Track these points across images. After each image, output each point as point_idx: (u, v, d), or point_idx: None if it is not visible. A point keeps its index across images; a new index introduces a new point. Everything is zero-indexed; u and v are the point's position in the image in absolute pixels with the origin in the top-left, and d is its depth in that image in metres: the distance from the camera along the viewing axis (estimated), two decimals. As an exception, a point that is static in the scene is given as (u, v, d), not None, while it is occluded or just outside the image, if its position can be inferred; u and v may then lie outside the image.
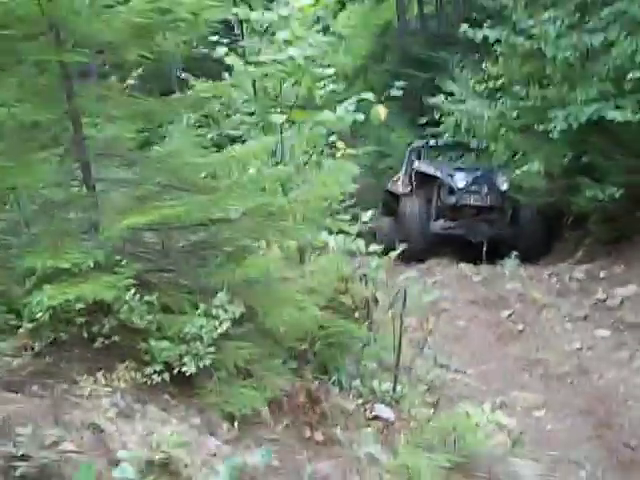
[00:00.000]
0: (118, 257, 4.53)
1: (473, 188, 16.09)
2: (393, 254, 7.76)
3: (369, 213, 7.04)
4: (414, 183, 17.36)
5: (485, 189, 16.09)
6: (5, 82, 4.64)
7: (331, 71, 6.37)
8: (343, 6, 25.52)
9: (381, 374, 6.64)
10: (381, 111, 6.97)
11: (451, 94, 19.36)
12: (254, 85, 6.11)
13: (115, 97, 4.97)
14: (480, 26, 17.18)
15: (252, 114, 6.27)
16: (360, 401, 5.93)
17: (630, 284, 10.58)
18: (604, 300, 10.27)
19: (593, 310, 9.97)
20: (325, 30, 7.30)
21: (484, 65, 17.10)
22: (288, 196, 5.49)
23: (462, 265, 13.49)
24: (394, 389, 6.31)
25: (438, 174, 16.66)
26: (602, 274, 11.51)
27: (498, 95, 16.25)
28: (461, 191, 16.03)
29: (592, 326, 9.37)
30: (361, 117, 6.70)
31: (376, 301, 7.17)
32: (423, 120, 20.76)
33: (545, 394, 7.92)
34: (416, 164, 17.74)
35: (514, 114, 15.29)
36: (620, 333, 9.03)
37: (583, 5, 13.81)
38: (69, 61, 4.66)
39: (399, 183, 18.25)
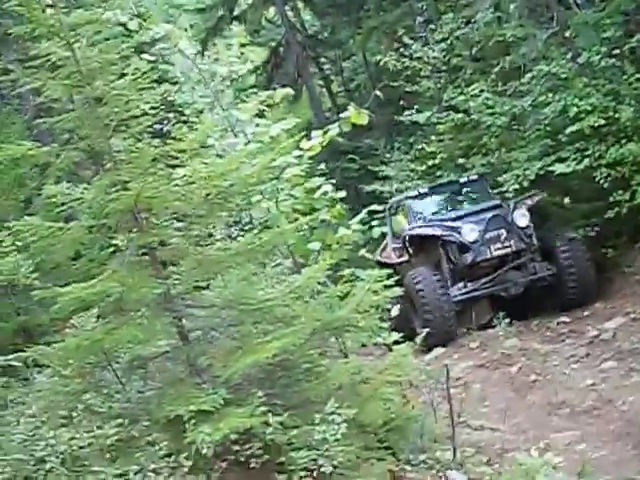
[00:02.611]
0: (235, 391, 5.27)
1: (488, 236, 13.35)
2: (418, 339, 8.50)
3: (397, 307, 7.83)
4: (410, 249, 14.66)
5: (503, 233, 13.38)
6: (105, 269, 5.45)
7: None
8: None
9: (439, 445, 7.40)
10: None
11: (387, 177, 20.26)
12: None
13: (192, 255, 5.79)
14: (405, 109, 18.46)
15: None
16: (433, 471, 6.70)
17: (616, 317, 11.48)
18: (597, 336, 11.12)
19: (592, 347, 10.79)
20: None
21: (419, 146, 18.15)
22: (343, 309, 6.28)
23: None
24: (454, 456, 7.08)
25: (439, 232, 13.80)
26: (586, 312, 12.42)
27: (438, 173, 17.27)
28: (475, 244, 13.31)
29: (597, 362, 10.16)
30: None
31: (411, 384, 7.97)
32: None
33: (579, 429, 8.61)
34: (406, 228, 14.82)
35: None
36: (625, 361, 9.83)
37: (503, 73, 15.05)
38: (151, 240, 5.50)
39: (389, 250, 15.49)
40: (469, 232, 13.33)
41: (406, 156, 19.96)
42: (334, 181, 7.70)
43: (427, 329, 10.91)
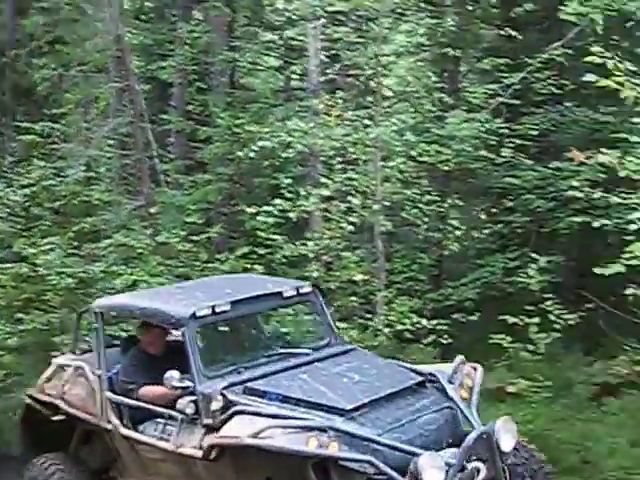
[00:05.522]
0: None
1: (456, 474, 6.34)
2: None
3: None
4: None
5: (481, 469, 6.39)
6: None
7: None
8: None
9: None
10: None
11: None
12: None
13: None
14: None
15: None
16: None
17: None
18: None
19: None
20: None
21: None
22: None
23: None
24: None
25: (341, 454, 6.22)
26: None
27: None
28: None
29: None
30: None
31: None
32: None
33: None
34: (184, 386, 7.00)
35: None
36: None
37: (82, 234, 14.77)
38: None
39: (85, 393, 7.83)
40: (431, 472, 6.12)
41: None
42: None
43: None
